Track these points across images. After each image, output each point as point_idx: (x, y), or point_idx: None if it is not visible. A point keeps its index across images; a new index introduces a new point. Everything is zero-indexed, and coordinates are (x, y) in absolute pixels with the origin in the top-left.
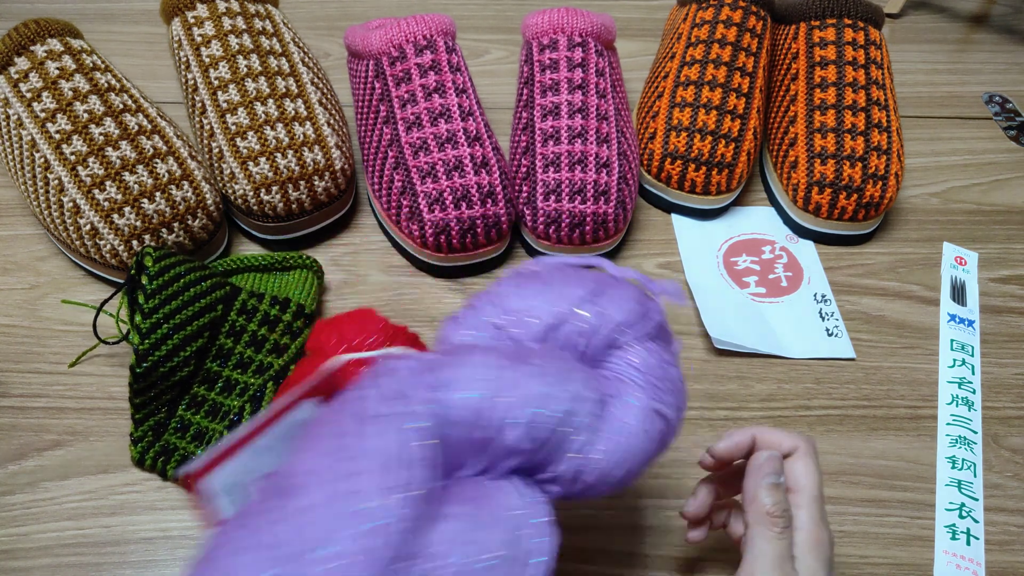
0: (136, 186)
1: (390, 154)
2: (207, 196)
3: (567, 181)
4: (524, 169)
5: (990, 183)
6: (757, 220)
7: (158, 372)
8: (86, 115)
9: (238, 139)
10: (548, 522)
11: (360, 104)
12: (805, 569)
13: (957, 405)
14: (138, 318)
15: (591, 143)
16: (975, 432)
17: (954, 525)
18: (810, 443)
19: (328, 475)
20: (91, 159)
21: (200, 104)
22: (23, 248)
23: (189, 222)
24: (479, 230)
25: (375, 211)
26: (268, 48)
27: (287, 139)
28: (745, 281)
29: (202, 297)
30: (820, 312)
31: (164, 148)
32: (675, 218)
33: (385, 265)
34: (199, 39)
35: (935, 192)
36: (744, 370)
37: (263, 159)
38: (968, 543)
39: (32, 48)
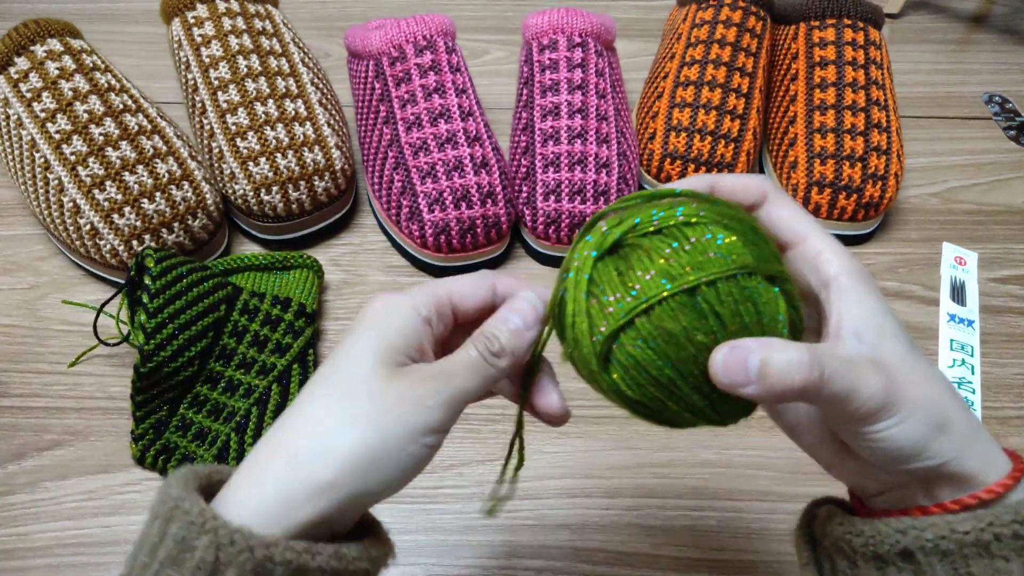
0: (136, 186)
1: (390, 154)
2: (207, 196)
3: (567, 181)
4: (524, 169)
5: (990, 183)
6: None
7: (163, 372)
8: (86, 115)
9: (238, 139)
10: None
11: (360, 104)
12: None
13: None
14: (142, 318)
15: (591, 143)
16: None
17: None
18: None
19: None
20: (91, 159)
21: (200, 104)
22: (23, 248)
23: (189, 222)
24: (479, 230)
25: (375, 211)
26: (268, 48)
27: (287, 139)
28: None
29: (205, 297)
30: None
31: (164, 148)
32: None
33: (385, 265)
34: (199, 39)
35: (935, 192)
36: None
37: (263, 159)
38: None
39: (32, 48)
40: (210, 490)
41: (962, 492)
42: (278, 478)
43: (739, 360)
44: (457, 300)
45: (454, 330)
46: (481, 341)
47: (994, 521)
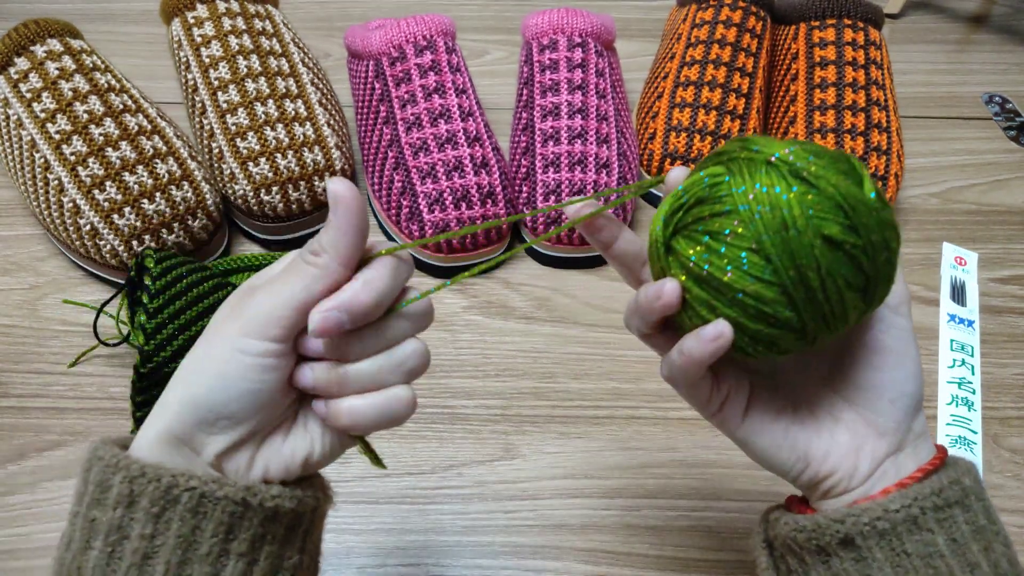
0: (136, 186)
1: (390, 154)
2: (207, 196)
3: (567, 181)
4: (524, 169)
5: (990, 183)
6: None
7: (163, 372)
8: (86, 115)
9: (238, 139)
10: None
11: (360, 104)
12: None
13: (957, 405)
14: (142, 318)
15: (591, 144)
16: (975, 432)
17: None
18: None
19: None
20: (91, 159)
21: (200, 104)
22: (23, 248)
23: (189, 222)
24: (479, 230)
25: (375, 211)
26: (268, 48)
27: (287, 139)
28: None
29: (206, 297)
30: None
31: (164, 148)
32: None
33: None
34: (199, 39)
35: (935, 192)
36: None
37: (263, 159)
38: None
39: (32, 48)
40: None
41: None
42: (153, 411)
43: None
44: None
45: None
46: (305, 248)
47: (918, 495)
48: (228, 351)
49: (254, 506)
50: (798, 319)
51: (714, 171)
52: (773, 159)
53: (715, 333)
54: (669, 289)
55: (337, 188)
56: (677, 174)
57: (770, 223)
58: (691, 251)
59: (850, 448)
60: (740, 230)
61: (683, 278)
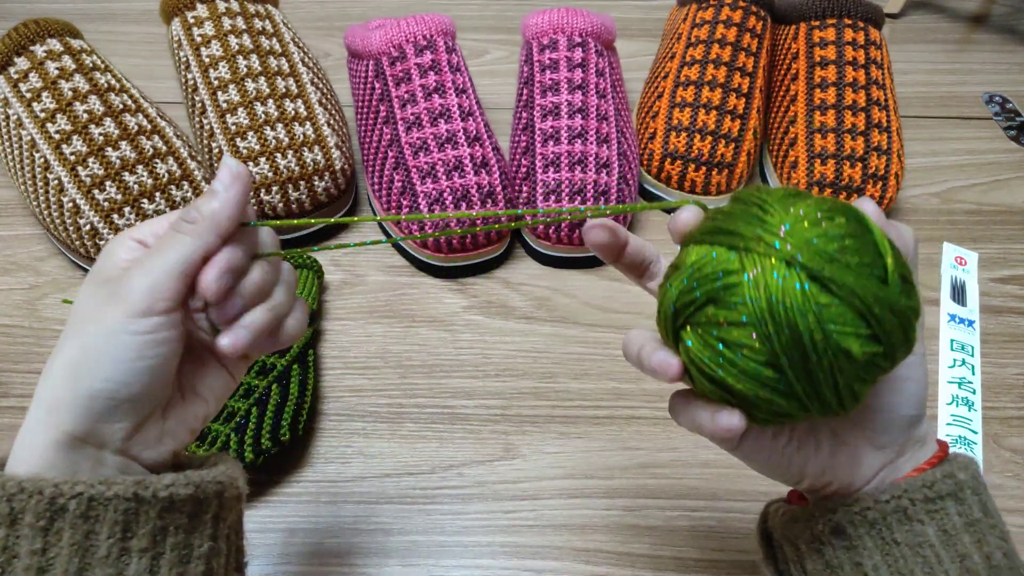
0: (136, 186)
1: (390, 154)
2: None
3: (567, 181)
4: (524, 169)
5: (990, 183)
6: None
7: None
8: (86, 115)
9: (238, 139)
10: None
11: (360, 104)
12: None
13: (957, 405)
14: None
15: (591, 143)
16: (975, 432)
17: None
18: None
19: None
20: (91, 159)
21: (200, 104)
22: (23, 248)
23: None
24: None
25: (375, 211)
26: (268, 48)
27: (287, 139)
28: None
29: None
30: None
31: (164, 148)
32: None
33: (385, 265)
34: (199, 39)
35: (935, 192)
36: None
37: (263, 159)
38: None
39: (32, 48)
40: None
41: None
42: (31, 419)
43: None
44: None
45: None
46: (179, 216)
47: (908, 488)
48: (117, 336)
49: (147, 499)
50: (810, 413)
51: (725, 259)
52: (790, 257)
53: (727, 426)
54: (674, 373)
55: (237, 166)
56: (686, 218)
57: (788, 343)
58: (703, 354)
59: (848, 463)
60: (756, 344)
61: (693, 371)
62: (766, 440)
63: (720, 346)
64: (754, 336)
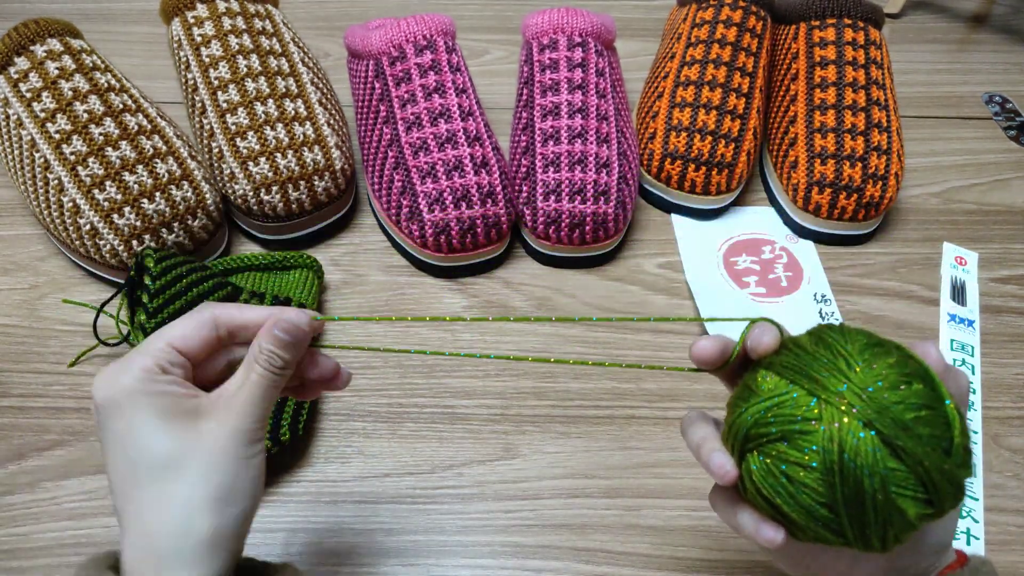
0: (136, 186)
1: (390, 154)
2: (207, 196)
3: (567, 181)
4: (524, 169)
5: (990, 183)
6: (757, 220)
7: None
8: (86, 115)
9: (238, 139)
10: None
11: (360, 104)
12: None
13: None
14: (142, 318)
15: (591, 143)
16: (975, 432)
17: None
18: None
19: None
20: (91, 159)
21: (200, 104)
22: (23, 248)
23: (189, 222)
24: (479, 230)
25: (375, 211)
26: (268, 48)
27: (287, 139)
28: (745, 281)
29: (205, 296)
30: (820, 312)
31: (164, 148)
32: (675, 218)
33: (385, 265)
34: (199, 39)
35: (935, 192)
36: None
37: (263, 159)
38: (968, 543)
39: (32, 48)
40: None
41: None
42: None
43: None
44: (180, 345)
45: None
46: (268, 360)
47: None
48: (245, 459)
49: None
50: (851, 546)
51: (805, 404)
52: (867, 420)
53: (768, 539)
54: (729, 480)
55: (302, 322)
56: (769, 342)
57: (850, 495)
58: (767, 479)
59: (866, 575)
60: (820, 488)
61: (750, 486)
62: (792, 545)
63: (784, 480)
64: (820, 481)
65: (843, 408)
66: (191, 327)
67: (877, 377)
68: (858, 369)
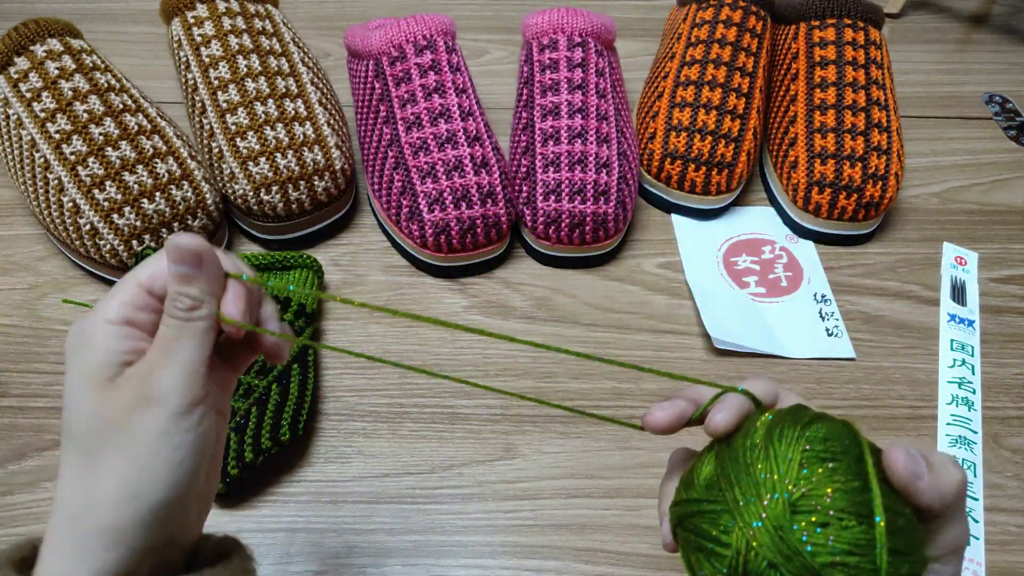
0: (136, 186)
1: (390, 154)
2: (207, 196)
3: (567, 181)
4: (524, 169)
5: (990, 183)
6: (757, 220)
7: None
8: (86, 115)
9: (238, 139)
10: None
11: (360, 104)
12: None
13: (957, 405)
14: None
15: (591, 143)
16: (975, 432)
17: None
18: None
19: None
20: (91, 159)
21: (200, 104)
22: (23, 248)
23: (189, 222)
24: (479, 230)
25: (375, 211)
26: (268, 48)
27: (287, 139)
28: (745, 281)
29: None
30: (820, 312)
31: (164, 148)
32: (675, 218)
33: (385, 265)
34: (199, 39)
35: (935, 192)
36: (744, 370)
37: (263, 159)
38: (968, 543)
39: (32, 48)
40: (33, 558)
41: None
42: (66, 543)
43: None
44: (150, 283)
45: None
46: (173, 305)
47: None
48: (164, 438)
49: None
50: None
51: (722, 525)
52: (770, 561)
53: None
54: (668, 549)
55: (195, 244)
56: (719, 425)
57: None
58: (689, 564)
59: None
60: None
61: (682, 556)
62: None
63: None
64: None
65: (754, 544)
66: (158, 262)
67: (807, 507)
68: (790, 489)
